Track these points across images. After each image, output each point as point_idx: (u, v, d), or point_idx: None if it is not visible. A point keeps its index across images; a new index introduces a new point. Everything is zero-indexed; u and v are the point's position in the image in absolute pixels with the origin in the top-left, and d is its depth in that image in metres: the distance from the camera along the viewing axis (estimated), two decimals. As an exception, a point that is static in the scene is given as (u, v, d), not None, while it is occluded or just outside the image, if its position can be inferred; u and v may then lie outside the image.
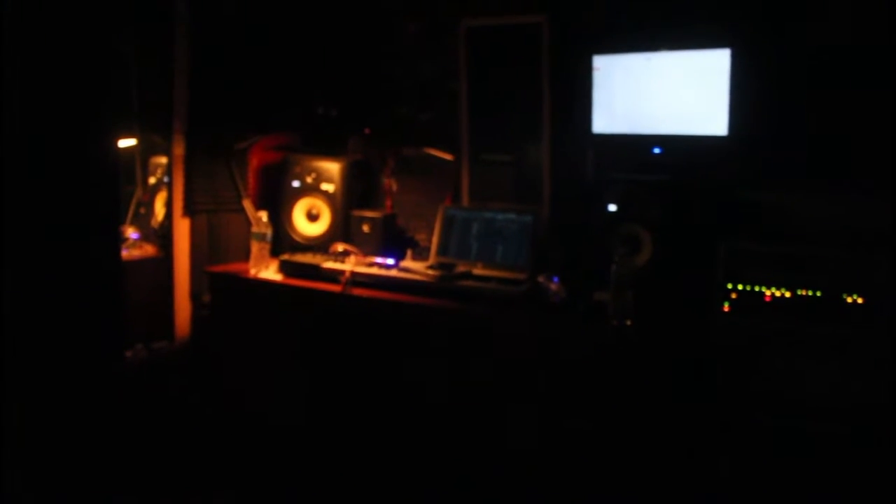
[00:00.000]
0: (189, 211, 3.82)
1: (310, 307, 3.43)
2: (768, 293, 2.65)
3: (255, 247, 3.56)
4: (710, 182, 3.09)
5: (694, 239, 2.99)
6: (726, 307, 2.70)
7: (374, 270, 3.38)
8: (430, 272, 3.30)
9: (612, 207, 3.16)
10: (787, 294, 2.63)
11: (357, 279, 3.34)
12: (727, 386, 2.66)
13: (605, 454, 2.83)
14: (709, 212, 3.05)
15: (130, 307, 3.64)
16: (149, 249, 3.94)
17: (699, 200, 3.09)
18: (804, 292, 2.60)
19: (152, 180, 4.07)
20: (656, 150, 3.21)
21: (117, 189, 2.96)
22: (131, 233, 4.01)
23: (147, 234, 4.03)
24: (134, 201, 4.19)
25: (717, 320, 2.71)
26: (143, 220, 4.11)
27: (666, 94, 3.17)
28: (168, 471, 3.47)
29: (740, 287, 2.69)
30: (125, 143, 3.87)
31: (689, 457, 2.68)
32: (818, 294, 2.58)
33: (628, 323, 2.82)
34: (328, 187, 3.80)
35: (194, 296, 3.89)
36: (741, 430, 2.62)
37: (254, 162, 4.04)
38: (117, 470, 2.96)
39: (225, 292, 3.70)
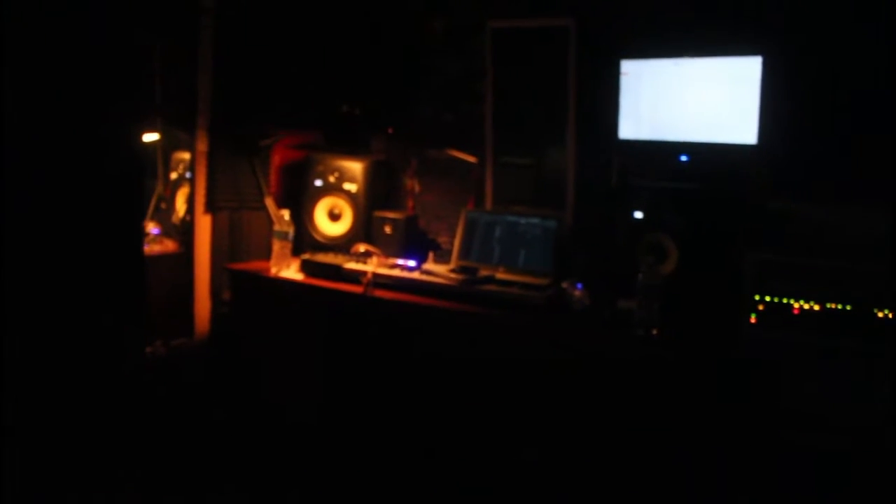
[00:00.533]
0: (211, 207, 3.81)
1: (330, 307, 3.42)
2: (797, 306, 2.60)
3: (276, 245, 3.55)
4: (738, 191, 3.04)
5: (721, 249, 2.96)
6: (753, 319, 2.65)
7: (396, 272, 3.36)
8: (453, 276, 3.28)
9: (638, 215, 3.14)
10: (817, 307, 2.57)
11: (379, 280, 3.32)
12: (753, 399, 2.61)
13: (626, 466, 2.80)
14: (736, 221, 3.00)
15: (150, 303, 3.63)
16: (169, 245, 3.94)
17: (726, 210, 3.04)
18: (834, 306, 2.55)
19: (174, 175, 4.07)
20: (683, 158, 3.17)
21: (140, 183, 2.97)
22: (152, 228, 4.01)
23: (168, 230, 4.02)
24: (155, 196, 4.19)
25: (744, 332, 2.66)
26: (164, 216, 4.10)
27: (694, 100, 3.13)
28: (183, 467, 3.45)
29: (768, 299, 2.64)
30: (148, 137, 3.87)
31: (713, 471, 2.64)
32: (848, 308, 2.53)
33: (654, 332, 2.79)
34: (350, 187, 3.79)
35: (214, 293, 3.88)
36: (767, 445, 2.57)
37: (276, 160, 4.03)
38: (134, 465, 2.97)
39: (245, 290, 3.70)
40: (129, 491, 2.95)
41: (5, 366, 2.50)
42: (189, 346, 3.80)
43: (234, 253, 3.90)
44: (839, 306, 2.55)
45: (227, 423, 3.66)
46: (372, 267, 3.38)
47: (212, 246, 3.84)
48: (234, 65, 3.84)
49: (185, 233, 3.89)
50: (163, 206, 4.14)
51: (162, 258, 3.85)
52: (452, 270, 3.36)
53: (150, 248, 3.89)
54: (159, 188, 4.16)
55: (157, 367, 3.67)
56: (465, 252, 3.55)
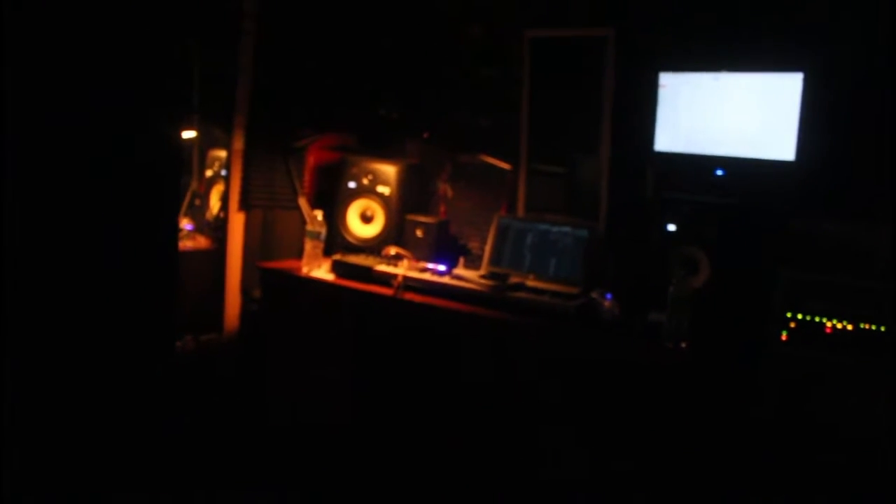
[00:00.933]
0: (245, 206, 3.84)
1: (360, 309, 3.43)
2: (829, 325, 2.56)
3: (308, 245, 3.56)
4: (774, 208, 3.00)
5: (754, 264, 2.93)
6: (784, 336, 2.62)
7: (427, 276, 3.37)
8: (484, 282, 3.29)
9: (672, 227, 3.12)
10: (850, 327, 2.54)
11: (409, 284, 3.33)
12: (781, 418, 2.58)
13: (652, 476, 2.80)
14: (771, 238, 2.94)
15: (181, 298, 3.65)
16: (202, 241, 3.97)
17: (761, 225, 3.00)
18: (867, 326, 2.52)
19: (209, 173, 4.11)
20: (719, 172, 3.16)
21: (177, 180, 3.00)
22: (186, 224, 4.04)
23: (201, 226, 4.05)
24: (189, 193, 4.22)
25: (774, 349, 2.63)
26: (197, 212, 4.13)
27: (733, 115, 3.11)
28: (207, 464, 3.47)
29: (800, 317, 2.61)
30: (185, 134, 3.90)
31: (741, 487, 2.63)
32: (882, 329, 2.50)
33: (683, 345, 2.78)
34: (384, 190, 3.79)
35: (245, 290, 3.91)
36: (796, 464, 2.55)
37: (311, 160, 4.03)
38: (159, 462, 2.96)
39: (276, 289, 3.71)
40: (154, 489, 2.94)
41: (35, 363, 2.53)
42: (218, 342, 3.83)
43: (265, 251, 3.93)
44: (873, 327, 2.51)
45: (253, 422, 3.68)
46: (403, 270, 3.39)
47: (244, 244, 3.87)
48: (274, 65, 3.86)
49: (218, 229, 3.92)
50: (197, 202, 4.18)
51: (194, 254, 3.88)
52: (483, 276, 3.36)
53: (183, 244, 3.91)
54: (194, 184, 4.19)
55: (186, 362, 3.70)
56: (496, 258, 3.55)
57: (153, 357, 2.91)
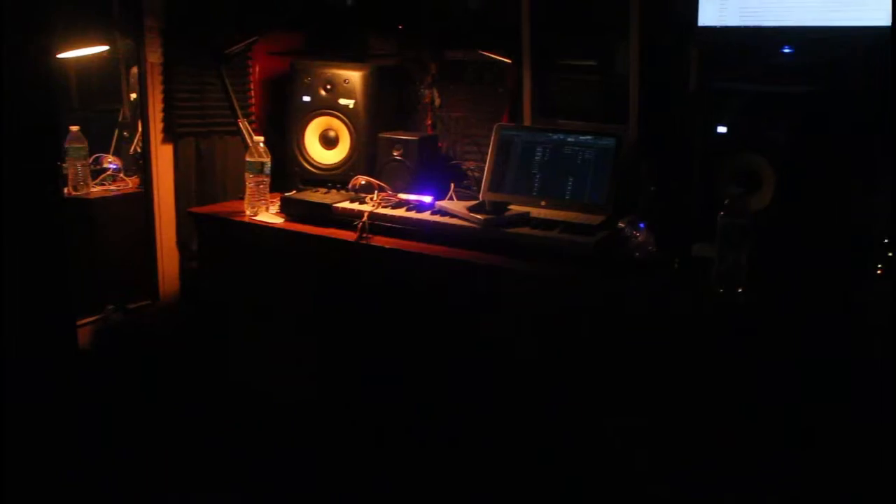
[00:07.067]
0: (171, 135, 3.38)
1: (318, 260, 2.99)
2: None
3: (250, 181, 3.09)
4: (865, 96, 2.56)
5: (838, 176, 2.54)
6: (880, 270, 2.31)
7: (400, 213, 2.90)
8: (474, 215, 2.79)
9: (723, 129, 2.72)
10: None
11: (379, 224, 2.87)
12: (874, 381, 2.15)
13: (695, 464, 2.40)
14: (861, 137, 2.54)
15: (101, 258, 3.36)
16: (130, 183, 3.53)
17: (848, 120, 2.57)
18: None
19: (133, 96, 3.63)
20: (786, 50, 2.73)
21: (51, 115, 2.62)
22: (109, 162, 3.61)
23: (128, 164, 3.61)
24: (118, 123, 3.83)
25: (867, 290, 2.32)
26: (125, 147, 3.72)
27: (803, -31, 2.61)
28: (155, 459, 3.15)
29: None
30: (89, 50, 3.42)
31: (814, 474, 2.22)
32: None
33: (739, 291, 2.37)
34: (347, 102, 3.32)
35: (182, 243, 3.49)
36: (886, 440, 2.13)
37: (256, 71, 3.59)
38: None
39: (214, 240, 3.27)
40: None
41: None
42: (153, 311, 3.42)
43: (203, 192, 3.49)
44: None
45: (202, 402, 3.31)
46: (369, 206, 2.92)
47: (176, 183, 3.43)
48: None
49: (144, 169, 3.44)
50: (126, 134, 3.75)
51: (117, 200, 3.46)
52: (472, 208, 2.86)
53: (106, 189, 3.50)
54: (124, 112, 3.73)
55: (108, 341, 3.30)
56: (496, 182, 3.11)
57: (44, 347, 2.57)
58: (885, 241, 2.33)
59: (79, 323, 3.15)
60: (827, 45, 2.66)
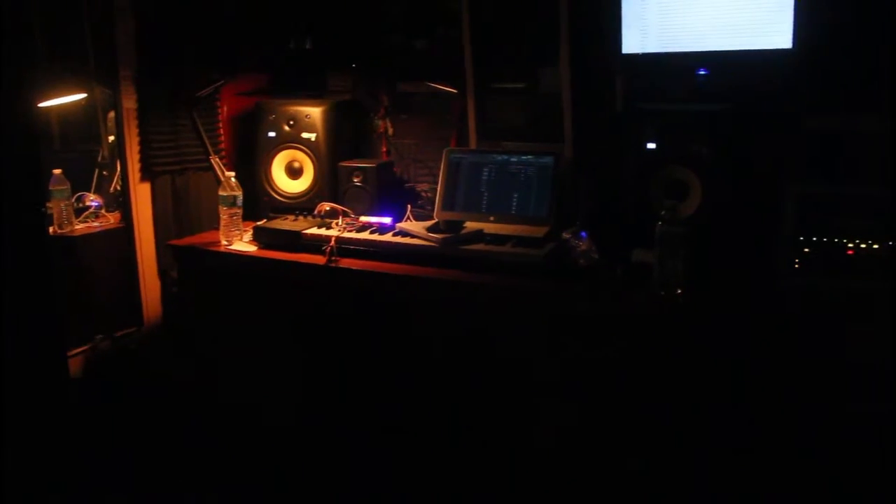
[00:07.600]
0: (148, 173, 3.51)
1: (294, 285, 3.10)
2: (851, 246, 2.37)
3: (224, 213, 3.22)
4: (774, 110, 2.77)
5: (755, 181, 2.75)
6: (798, 264, 2.43)
7: (364, 235, 3.05)
8: (432, 235, 2.95)
9: (651, 145, 2.86)
10: (875, 245, 2.34)
11: (345, 247, 3.01)
12: (804, 361, 2.34)
13: (647, 459, 2.56)
14: (773, 147, 2.75)
15: (89, 290, 3.45)
16: (112, 219, 3.63)
17: (760, 133, 2.77)
18: (899, 244, 2.30)
19: (111, 138, 3.74)
20: (702, 72, 2.89)
21: (34, 156, 2.71)
22: (91, 200, 3.69)
23: (109, 202, 3.72)
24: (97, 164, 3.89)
25: (788, 282, 2.44)
26: (106, 185, 3.79)
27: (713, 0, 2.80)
28: (143, 478, 3.23)
29: (815, 239, 2.41)
30: (71, 97, 3.54)
31: (756, 463, 2.40)
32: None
33: (679, 292, 2.51)
34: (310, 136, 3.45)
35: (162, 272, 3.61)
36: (828, 417, 2.32)
37: (225, 111, 3.72)
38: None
39: (193, 270, 3.39)
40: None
41: None
42: (138, 337, 3.53)
43: (181, 224, 3.61)
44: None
45: (189, 428, 3.39)
46: (335, 231, 3.06)
47: (154, 217, 3.56)
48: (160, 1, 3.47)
49: (124, 205, 3.57)
50: (105, 173, 3.83)
51: (100, 236, 3.54)
52: (430, 228, 3.02)
53: (89, 226, 3.59)
54: (104, 153, 3.85)
55: (100, 368, 3.40)
56: (448, 202, 3.24)
57: (38, 379, 2.66)
58: (800, 237, 2.42)
59: (70, 353, 3.25)
60: (736, 66, 2.81)
